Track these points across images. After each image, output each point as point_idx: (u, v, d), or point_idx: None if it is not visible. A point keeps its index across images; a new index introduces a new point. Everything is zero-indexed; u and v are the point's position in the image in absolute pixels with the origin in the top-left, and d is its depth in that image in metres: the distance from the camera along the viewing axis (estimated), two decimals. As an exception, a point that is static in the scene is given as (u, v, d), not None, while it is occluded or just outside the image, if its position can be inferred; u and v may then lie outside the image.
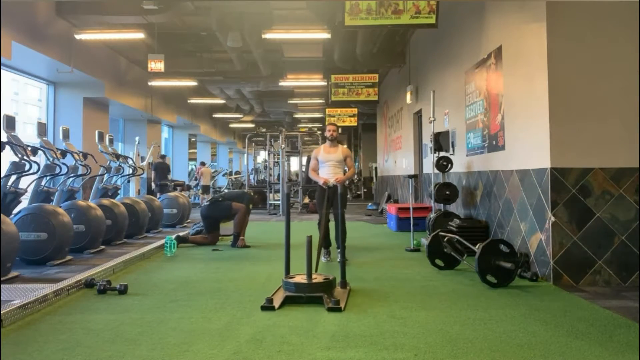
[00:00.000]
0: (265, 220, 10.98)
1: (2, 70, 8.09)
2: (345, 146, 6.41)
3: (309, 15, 8.82)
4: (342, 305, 3.52)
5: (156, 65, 9.72)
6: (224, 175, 20.20)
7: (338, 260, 5.42)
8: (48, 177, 5.89)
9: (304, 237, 3.86)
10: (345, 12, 6.74)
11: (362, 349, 2.70)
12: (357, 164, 23.26)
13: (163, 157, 14.61)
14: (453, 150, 7.08)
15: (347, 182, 5.90)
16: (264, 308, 3.51)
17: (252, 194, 7.15)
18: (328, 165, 5.64)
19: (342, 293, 3.81)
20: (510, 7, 5.18)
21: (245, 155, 17.98)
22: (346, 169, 5.75)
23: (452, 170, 6.77)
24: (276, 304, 3.54)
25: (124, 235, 7.10)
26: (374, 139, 17.73)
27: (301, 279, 3.80)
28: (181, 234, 7.09)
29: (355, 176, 22.33)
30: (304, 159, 14.07)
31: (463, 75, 6.72)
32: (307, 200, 13.87)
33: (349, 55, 10.74)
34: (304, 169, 13.61)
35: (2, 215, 4.38)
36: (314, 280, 3.76)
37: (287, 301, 3.62)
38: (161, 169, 14.20)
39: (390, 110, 13.45)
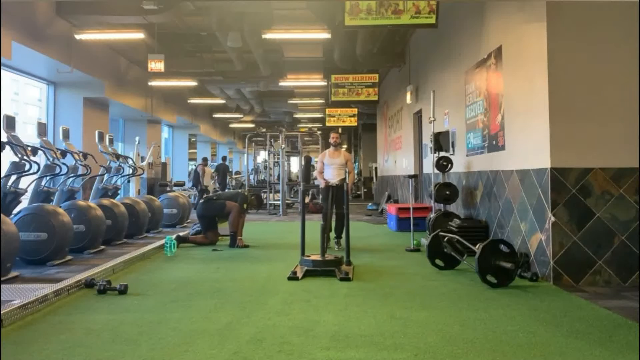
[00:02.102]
0: (265, 220, 10.97)
1: (2, 70, 8.09)
2: (346, 151, 7.15)
3: (309, 15, 8.81)
4: (350, 276, 4.46)
5: (156, 65, 9.71)
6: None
7: (336, 248, 6.48)
8: (48, 177, 5.88)
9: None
10: (345, 12, 6.74)
11: (362, 349, 2.70)
12: (357, 164, 23.25)
13: (224, 158, 15.12)
14: (453, 150, 7.07)
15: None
16: (290, 278, 4.44)
17: (246, 194, 7.17)
18: (332, 168, 6.60)
19: (349, 268, 4.78)
20: (510, 7, 5.18)
21: (245, 155, 17.95)
22: (347, 170, 6.48)
23: (452, 170, 6.77)
24: (299, 275, 4.49)
25: (124, 235, 7.10)
26: (374, 139, 17.72)
27: (316, 257, 4.84)
28: (181, 234, 7.10)
29: (356, 176, 22.34)
30: (304, 160, 14.07)
31: (463, 75, 6.72)
32: (307, 200, 13.88)
33: (349, 55, 10.73)
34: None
35: (2, 215, 4.38)
36: (326, 258, 4.81)
37: (307, 274, 4.59)
38: (222, 170, 14.58)
39: (390, 110, 13.45)
